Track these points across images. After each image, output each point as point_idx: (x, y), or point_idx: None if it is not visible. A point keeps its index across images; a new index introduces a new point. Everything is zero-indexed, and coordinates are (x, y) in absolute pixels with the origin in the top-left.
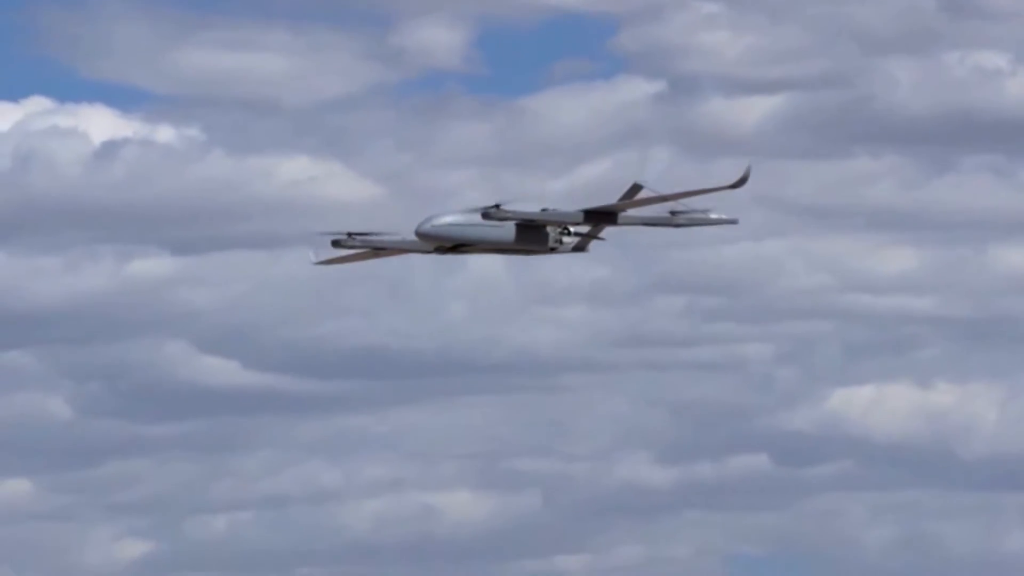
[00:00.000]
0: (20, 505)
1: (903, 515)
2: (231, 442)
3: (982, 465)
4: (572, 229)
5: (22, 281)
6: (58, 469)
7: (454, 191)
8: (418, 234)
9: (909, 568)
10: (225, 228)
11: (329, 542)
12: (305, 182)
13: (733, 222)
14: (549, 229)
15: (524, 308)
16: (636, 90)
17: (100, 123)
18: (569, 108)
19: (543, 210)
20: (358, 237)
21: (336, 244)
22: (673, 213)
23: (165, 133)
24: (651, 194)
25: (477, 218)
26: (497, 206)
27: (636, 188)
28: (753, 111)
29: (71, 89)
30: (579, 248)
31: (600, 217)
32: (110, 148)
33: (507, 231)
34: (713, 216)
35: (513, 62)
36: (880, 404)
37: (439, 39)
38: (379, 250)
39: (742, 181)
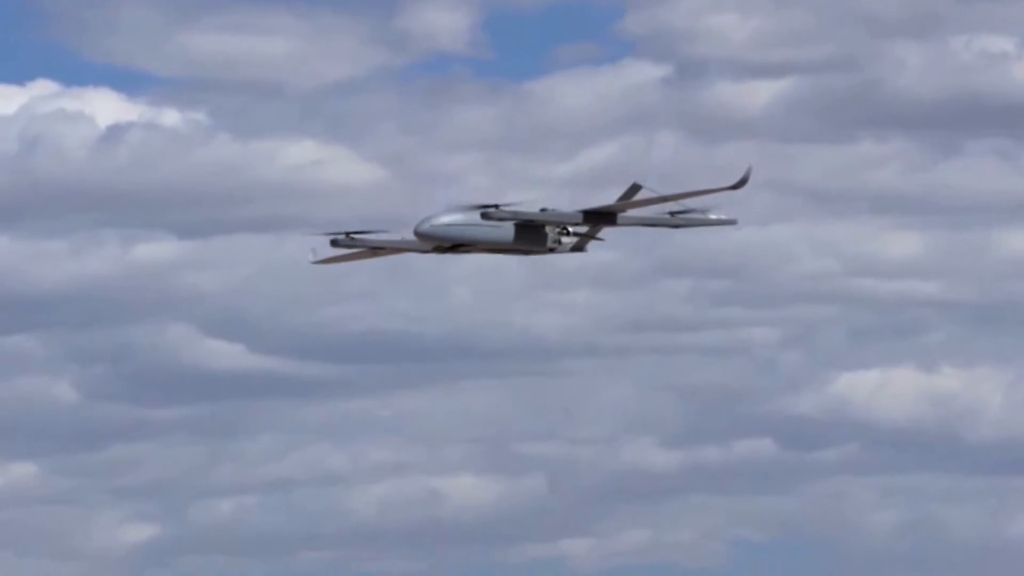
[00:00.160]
0: (25, 489)
1: (908, 499)
2: (236, 426)
3: (987, 449)
4: (571, 229)
5: (28, 265)
6: (63, 453)
7: (459, 175)
8: (417, 234)
9: (914, 552)
10: (230, 212)
11: (334, 526)
12: (310, 166)
13: (732, 223)
14: (548, 229)
15: (529, 292)
16: (642, 74)
17: (105, 107)
18: (575, 92)
19: (542, 210)
20: (356, 236)
21: (335, 244)
22: (672, 214)
23: (170, 117)
24: (650, 194)
25: (476, 218)
26: (496, 206)
27: (635, 188)
28: (760, 95)
29: (76, 73)
30: (577, 248)
31: (599, 217)
32: (115, 132)
33: (506, 231)
34: (712, 217)
35: (519, 46)
36: (885, 388)
37: (444, 22)
38: (377, 249)
39: (742, 182)
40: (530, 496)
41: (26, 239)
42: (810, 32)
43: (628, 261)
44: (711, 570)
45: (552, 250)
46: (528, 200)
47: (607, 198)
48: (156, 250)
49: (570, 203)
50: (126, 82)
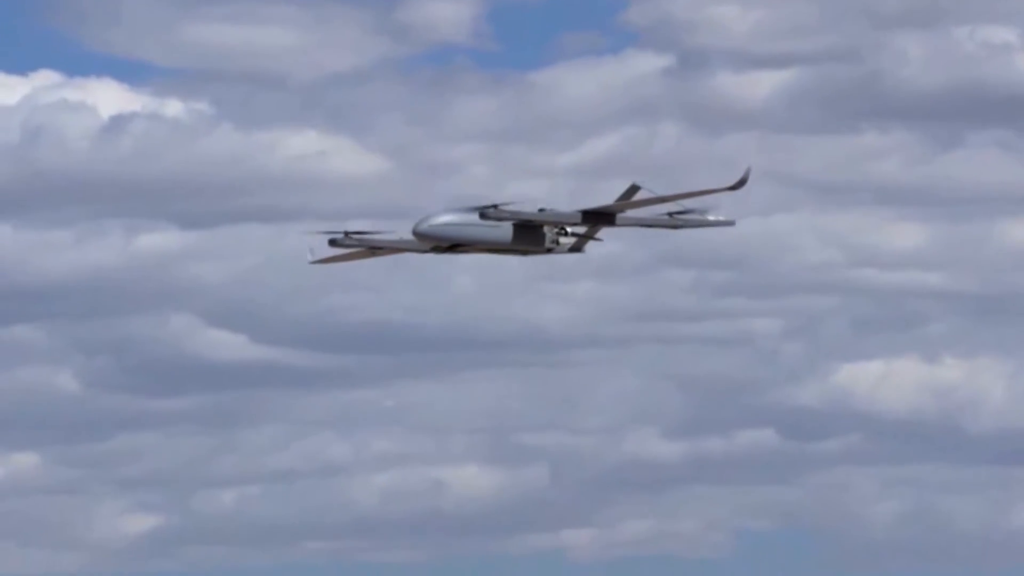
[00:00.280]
0: (28, 479)
1: (910, 489)
2: (238, 416)
3: (989, 440)
4: (569, 230)
5: (31, 255)
6: (66, 443)
7: (462, 165)
8: (415, 233)
9: (916, 542)
10: (233, 202)
11: (336, 516)
12: (313, 156)
13: (730, 223)
14: (546, 229)
15: (531, 283)
16: (645, 65)
17: (108, 97)
18: (578, 82)
19: (540, 210)
20: (355, 236)
21: (333, 243)
22: (671, 214)
23: (173, 107)
24: (649, 195)
25: (474, 218)
26: (495, 206)
27: (634, 189)
28: (762, 86)
29: (79, 63)
30: (575, 249)
31: (598, 218)
32: (118, 122)
33: (504, 231)
34: (711, 218)
35: (522, 36)
36: (887, 379)
37: (447, 13)
38: (375, 249)
39: (741, 182)
40: (532, 486)
41: (29, 229)
42: (812, 23)
43: (631, 252)
44: (713, 560)
45: (550, 250)
46: (532, 190)
47: (610, 187)
48: (159, 240)
49: (574, 192)
50: (129, 72)
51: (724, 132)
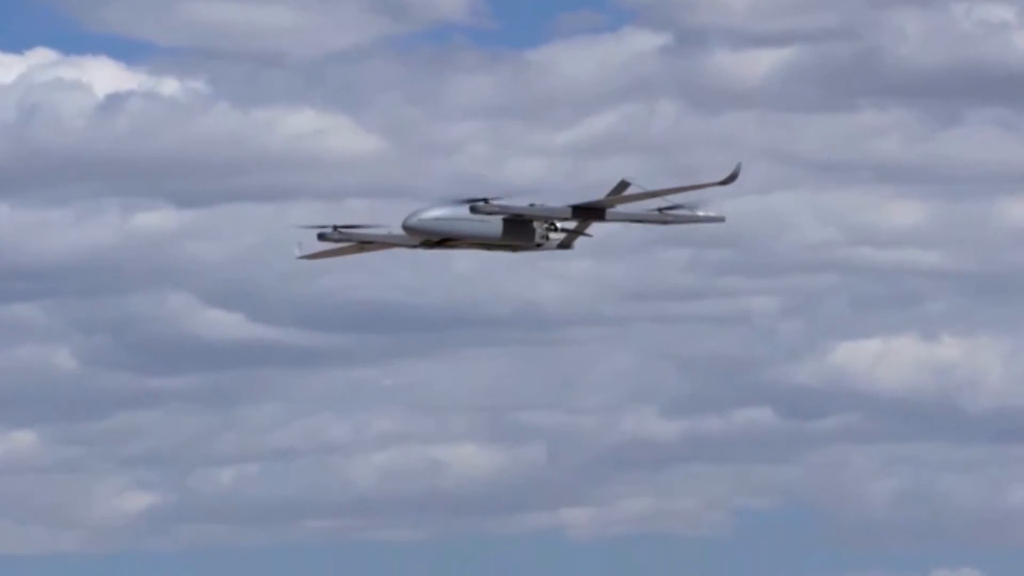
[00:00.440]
0: (25, 457)
1: (908, 468)
2: (236, 395)
3: (988, 418)
4: (559, 226)
5: (26, 234)
6: (64, 421)
7: (460, 144)
8: (405, 228)
9: (914, 521)
10: (230, 181)
11: (334, 495)
12: (310, 135)
13: (720, 220)
14: (536, 225)
15: (530, 262)
16: (643, 43)
17: (104, 75)
18: (576, 61)
19: (531, 205)
20: (344, 230)
21: (322, 237)
22: (661, 210)
23: (170, 86)
24: (639, 191)
25: (464, 212)
26: (485, 200)
27: (623, 185)
28: (760, 64)
29: (75, 41)
30: (564, 245)
31: (588, 213)
32: (114, 101)
33: (494, 226)
34: (701, 214)
35: (520, 15)
36: (886, 358)
37: None
38: (365, 244)
39: (732, 178)
40: (530, 465)
41: (24, 208)
42: (810, 1)
43: (628, 231)
44: (711, 539)
45: (540, 246)
46: (530, 168)
47: (608, 167)
48: (156, 219)
49: (571, 172)
50: (125, 51)
51: (722, 110)
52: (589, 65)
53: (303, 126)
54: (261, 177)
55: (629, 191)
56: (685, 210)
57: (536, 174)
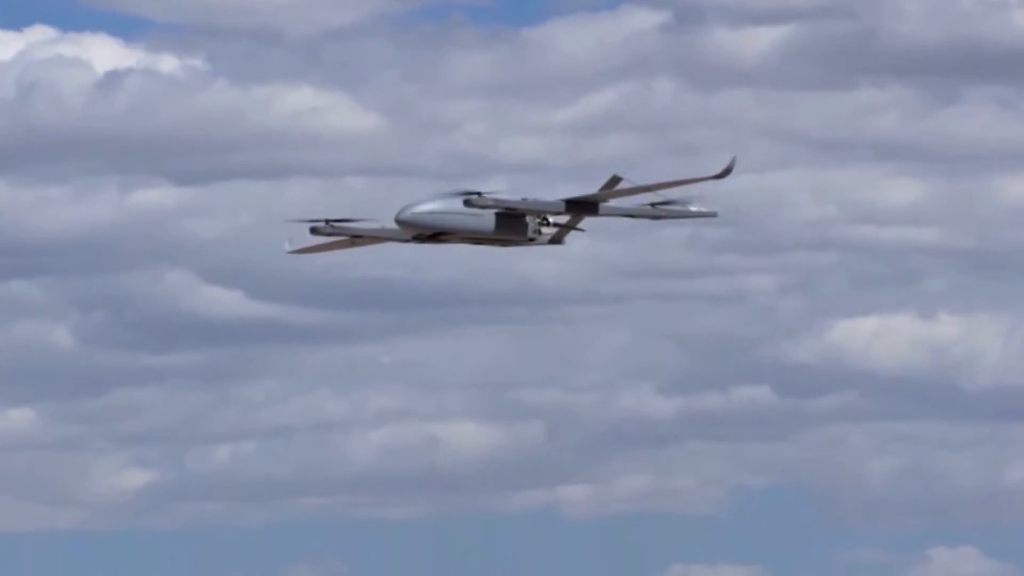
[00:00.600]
0: (24, 434)
1: (906, 446)
2: (235, 372)
3: (985, 396)
4: (551, 220)
5: (25, 211)
6: (62, 399)
7: (458, 122)
8: (398, 221)
9: (912, 499)
10: (228, 158)
11: (333, 472)
12: (308, 112)
13: (712, 215)
14: (528, 219)
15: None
16: (641, 20)
17: (103, 52)
18: (574, 39)
19: (524, 199)
20: (336, 224)
21: (314, 231)
22: (654, 205)
23: (168, 63)
24: (631, 185)
25: (458, 205)
26: (479, 193)
27: (615, 180)
28: (759, 42)
29: (74, 18)
30: (556, 240)
31: (581, 207)
32: (113, 78)
33: (487, 220)
34: (693, 209)
35: None
36: (884, 335)
37: None
38: (356, 238)
39: (726, 172)
40: (528, 443)
41: (23, 186)
42: None
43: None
44: (709, 516)
45: (532, 240)
46: (528, 148)
47: (606, 145)
48: (154, 197)
49: (571, 149)
50: (124, 28)
51: (721, 88)
52: (588, 43)
53: (301, 103)
54: (259, 154)
55: (621, 186)
56: (678, 205)
57: (534, 152)
